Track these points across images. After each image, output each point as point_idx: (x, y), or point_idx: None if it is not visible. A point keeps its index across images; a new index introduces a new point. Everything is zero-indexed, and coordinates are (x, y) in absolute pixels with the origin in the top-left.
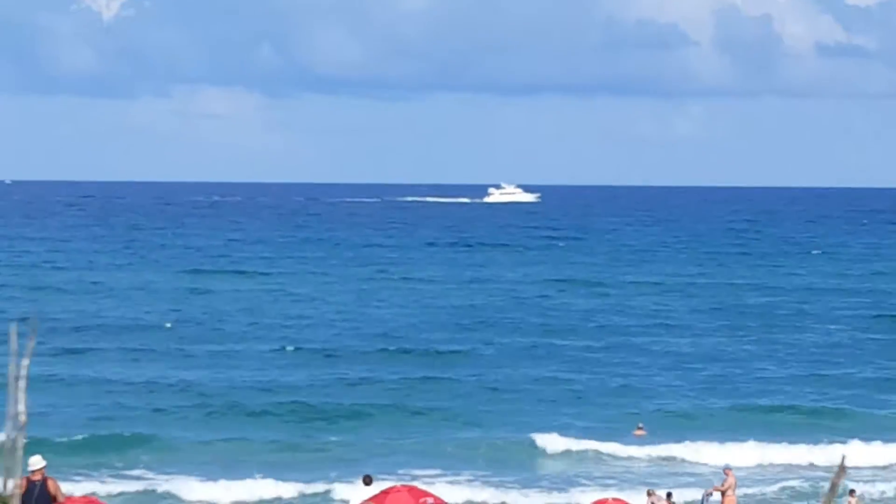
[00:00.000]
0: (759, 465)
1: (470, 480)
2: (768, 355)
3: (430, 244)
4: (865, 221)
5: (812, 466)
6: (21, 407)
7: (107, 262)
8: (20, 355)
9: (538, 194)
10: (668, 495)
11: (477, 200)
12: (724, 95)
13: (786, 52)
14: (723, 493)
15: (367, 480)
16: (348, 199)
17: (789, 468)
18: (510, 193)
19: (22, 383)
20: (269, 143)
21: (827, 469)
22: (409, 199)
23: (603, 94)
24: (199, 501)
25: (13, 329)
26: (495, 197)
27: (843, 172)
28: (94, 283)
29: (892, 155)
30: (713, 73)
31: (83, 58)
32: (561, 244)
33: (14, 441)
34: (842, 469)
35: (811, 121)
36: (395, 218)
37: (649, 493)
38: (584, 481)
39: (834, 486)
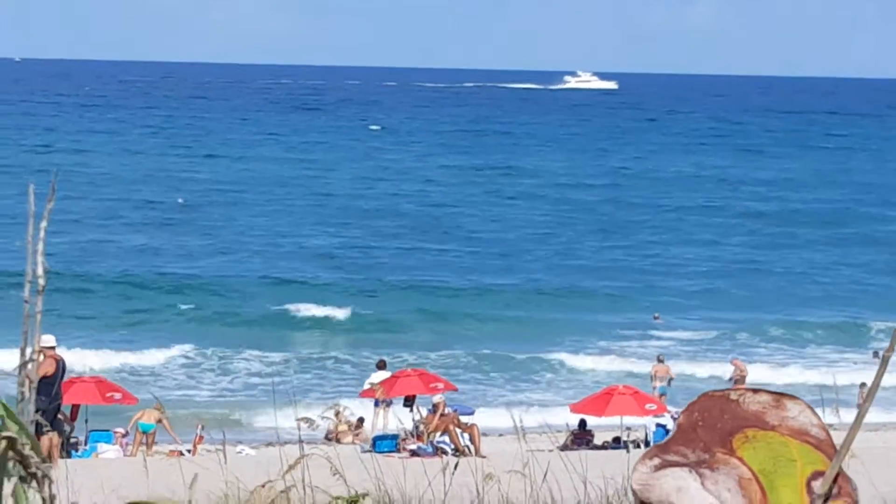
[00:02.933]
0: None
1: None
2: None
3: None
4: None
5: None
6: (40, 271)
7: (117, 140)
8: (38, 217)
9: (615, 82)
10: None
11: (552, 87)
12: None
13: None
14: (735, 383)
15: (382, 364)
16: (428, 84)
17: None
18: (586, 81)
19: (40, 246)
20: (284, 24)
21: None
22: (471, 84)
23: None
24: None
25: (30, 189)
26: (571, 84)
27: (856, 62)
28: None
29: None
30: None
31: None
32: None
33: (34, 305)
34: (894, 342)
35: (824, 10)
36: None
37: (659, 359)
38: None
39: (885, 360)
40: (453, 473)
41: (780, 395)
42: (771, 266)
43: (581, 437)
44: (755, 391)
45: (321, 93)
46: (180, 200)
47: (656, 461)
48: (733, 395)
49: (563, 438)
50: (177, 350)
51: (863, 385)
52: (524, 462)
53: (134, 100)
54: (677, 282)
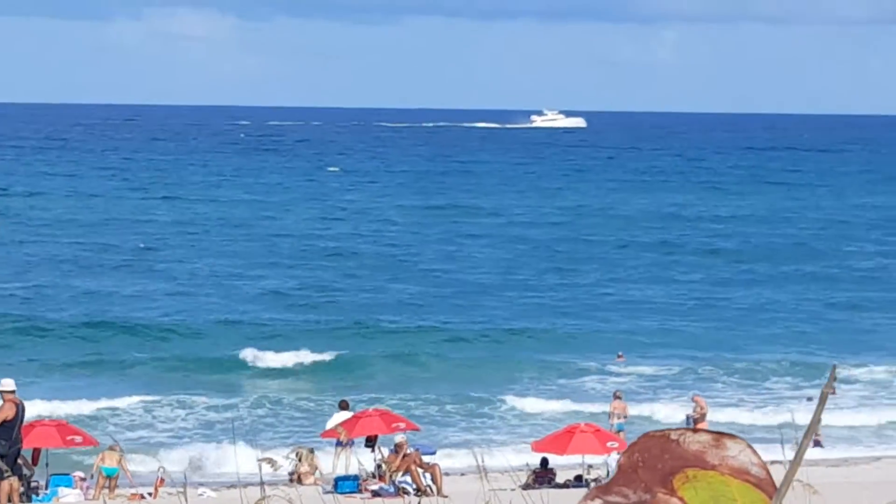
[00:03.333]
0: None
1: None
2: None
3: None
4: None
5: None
6: None
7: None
8: None
9: (582, 118)
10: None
11: (519, 125)
12: (700, 21)
13: None
14: (695, 420)
15: (344, 405)
16: (387, 124)
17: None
18: (552, 119)
19: None
20: (245, 66)
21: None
22: (441, 124)
23: (580, 18)
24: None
25: None
26: (538, 123)
27: (819, 99)
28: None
29: (869, 82)
30: None
31: None
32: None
33: None
34: (832, 379)
35: (787, 47)
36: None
37: (616, 396)
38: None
39: (823, 398)
40: None
41: (720, 435)
42: (731, 303)
43: (543, 476)
44: (695, 431)
45: (282, 133)
46: (141, 245)
47: (598, 502)
48: (673, 436)
49: (524, 477)
50: (136, 393)
51: None
52: (486, 501)
53: (94, 142)
54: (637, 319)
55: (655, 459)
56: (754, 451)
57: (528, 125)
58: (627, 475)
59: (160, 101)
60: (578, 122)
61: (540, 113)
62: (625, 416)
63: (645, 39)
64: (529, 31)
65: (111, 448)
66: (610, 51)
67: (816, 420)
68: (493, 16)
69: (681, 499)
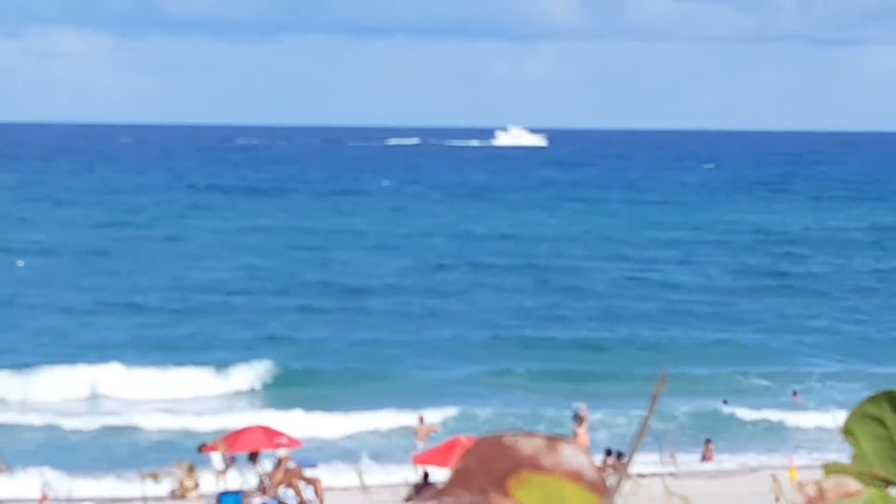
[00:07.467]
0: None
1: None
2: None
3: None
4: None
5: None
6: None
7: None
8: None
9: (544, 135)
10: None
11: (485, 143)
12: (574, 38)
13: None
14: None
15: None
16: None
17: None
18: (517, 136)
19: None
20: (123, 84)
21: None
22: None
23: (454, 35)
24: None
25: None
26: (502, 140)
27: (692, 115)
28: None
29: (740, 98)
30: (563, 15)
31: None
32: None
33: None
34: (662, 380)
35: (660, 64)
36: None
37: (421, 420)
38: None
39: (654, 399)
40: None
41: (553, 439)
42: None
43: (424, 490)
44: (529, 435)
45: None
46: (20, 264)
47: None
48: (508, 440)
49: (405, 491)
50: None
51: (707, 441)
52: None
53: None
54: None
55: (490, 463)
56: (587, 455)
57: (491, 142)
58: (463, 478)
59: (40, 119)
60: (540, 140)
61: (505, 129)
62: (425, 440)
63: (520, 56)
64: (407, 47)
65: None
66: (482, 68)
67: (648, 417)
68: (372, 33)
69: (515, 500)
